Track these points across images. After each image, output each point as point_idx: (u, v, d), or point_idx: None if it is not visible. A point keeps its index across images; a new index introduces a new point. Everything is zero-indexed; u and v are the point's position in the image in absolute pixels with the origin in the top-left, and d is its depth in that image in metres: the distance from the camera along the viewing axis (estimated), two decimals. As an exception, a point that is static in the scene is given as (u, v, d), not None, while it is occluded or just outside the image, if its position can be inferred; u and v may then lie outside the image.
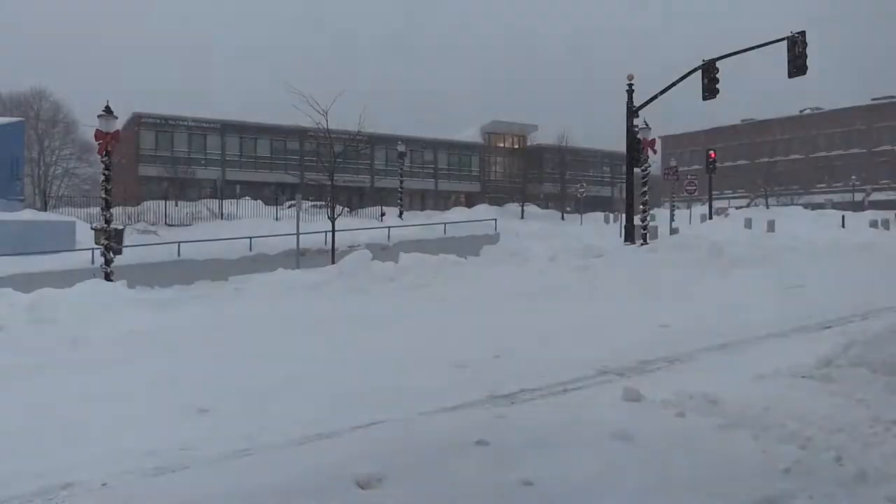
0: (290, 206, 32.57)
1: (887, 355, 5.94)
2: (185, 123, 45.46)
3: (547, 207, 52.37)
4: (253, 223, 30.00)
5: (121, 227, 15.95)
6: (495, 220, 31.72)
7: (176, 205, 35.15)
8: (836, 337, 7.18)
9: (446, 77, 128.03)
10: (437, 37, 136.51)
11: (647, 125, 22.29)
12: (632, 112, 22.22)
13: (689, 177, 40.16)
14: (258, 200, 36.91)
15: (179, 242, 21.20)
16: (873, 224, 33.44)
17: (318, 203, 30.73)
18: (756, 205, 51.34)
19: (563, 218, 45.70)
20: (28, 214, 24.74)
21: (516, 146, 60.94)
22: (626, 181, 23.91)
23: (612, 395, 5.50)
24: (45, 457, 4.68)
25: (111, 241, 15.10)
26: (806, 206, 47.56)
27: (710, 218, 39.70)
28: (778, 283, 12.83)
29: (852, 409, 4.89)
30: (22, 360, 7.78)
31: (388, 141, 45.88)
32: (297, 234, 19.92)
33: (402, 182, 38.77)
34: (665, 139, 65.80)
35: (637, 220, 22.72)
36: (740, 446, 4.35)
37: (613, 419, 4.80)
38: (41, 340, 8.91)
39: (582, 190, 47.20)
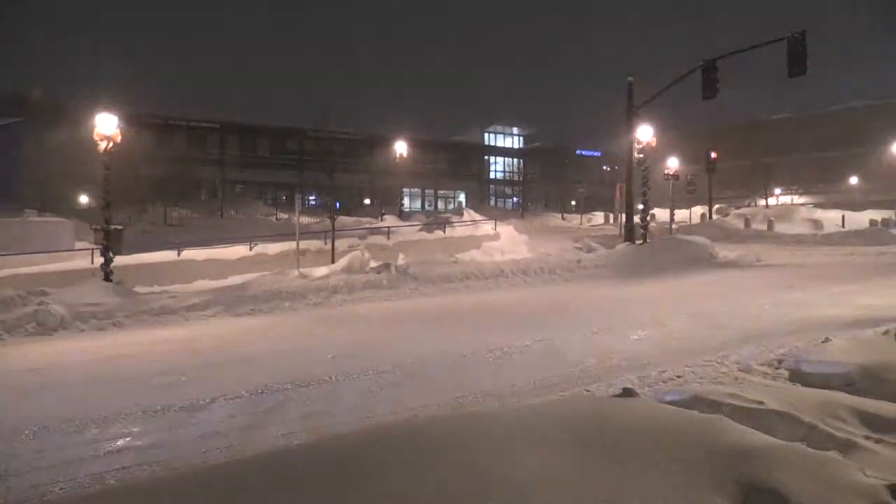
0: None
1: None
2: (185, 123, 45.37)
3: (547, 207, 52.35)
4: (252, 223, 30.01)
5: (120, 227, 15.82)
6: (495, 220, 31.73)
7: (176, 205, 35.12)
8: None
9: (446, 77, 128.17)
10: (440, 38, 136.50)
11: (647, 124, 22.26)
12: (632, 111, 22.19)
13: (689, 176, 39.99)
14: (258, 200, 36.90)
15: (179, 243, 21.22)
16: (874, 223, 33.50)
17: (316, 206, 30.75)
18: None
19: (563, 218, 45.70)
20: (28, 215, 24.74)
21: (517, 146, 60.93)
22: (626, 181, 23.87)
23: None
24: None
25: (111, 241, 15.04)
26: (805, 205, 47.47)
27: (710, 217, 39.70)
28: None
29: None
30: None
31: (388, 141, 45.82)
32: (297, 234, 19.91)
33: (401, 182, 38.78)
34: (665, 139, 65.45)
35: (637, 220, 22.70)
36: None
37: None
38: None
39: (581, 190, 47.21)
